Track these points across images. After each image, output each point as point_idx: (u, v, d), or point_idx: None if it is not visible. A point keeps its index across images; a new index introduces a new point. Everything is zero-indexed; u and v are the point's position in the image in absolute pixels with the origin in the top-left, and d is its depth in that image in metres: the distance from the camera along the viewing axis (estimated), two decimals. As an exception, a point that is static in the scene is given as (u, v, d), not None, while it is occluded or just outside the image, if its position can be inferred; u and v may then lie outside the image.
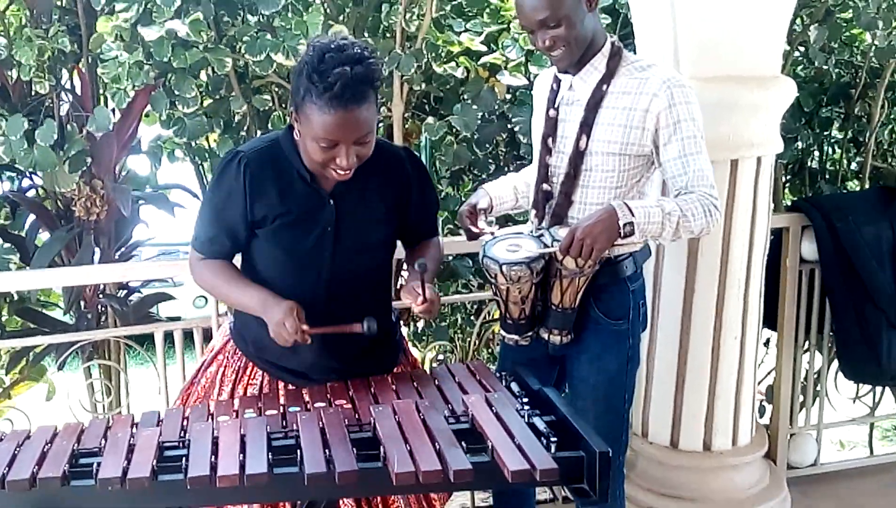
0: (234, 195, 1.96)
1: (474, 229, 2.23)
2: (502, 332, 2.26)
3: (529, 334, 2.23)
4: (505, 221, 3.25)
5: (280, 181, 1.97)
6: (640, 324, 2.30)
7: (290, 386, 2.06)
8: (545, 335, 2.22)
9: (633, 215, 1.99)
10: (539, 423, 1.71)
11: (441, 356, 3.64)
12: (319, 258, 2.01)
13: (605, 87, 2.14)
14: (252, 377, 2.11)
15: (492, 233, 2.19)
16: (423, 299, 1.96)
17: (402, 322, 3.75)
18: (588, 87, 2.16)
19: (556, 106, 2.21)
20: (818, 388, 3.51)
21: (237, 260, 2.14)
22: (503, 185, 2.43)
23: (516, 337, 2.23)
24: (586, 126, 2.15)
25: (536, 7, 2.04)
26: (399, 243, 2.22)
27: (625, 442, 2.37)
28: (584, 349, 2.25)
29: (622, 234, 1.99)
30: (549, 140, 2.21)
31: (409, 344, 3.76)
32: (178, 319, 3.38)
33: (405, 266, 2.29)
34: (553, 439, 1.64)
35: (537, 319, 2.21)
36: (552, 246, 2.07)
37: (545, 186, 2.22)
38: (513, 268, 2.05)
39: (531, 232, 2.18)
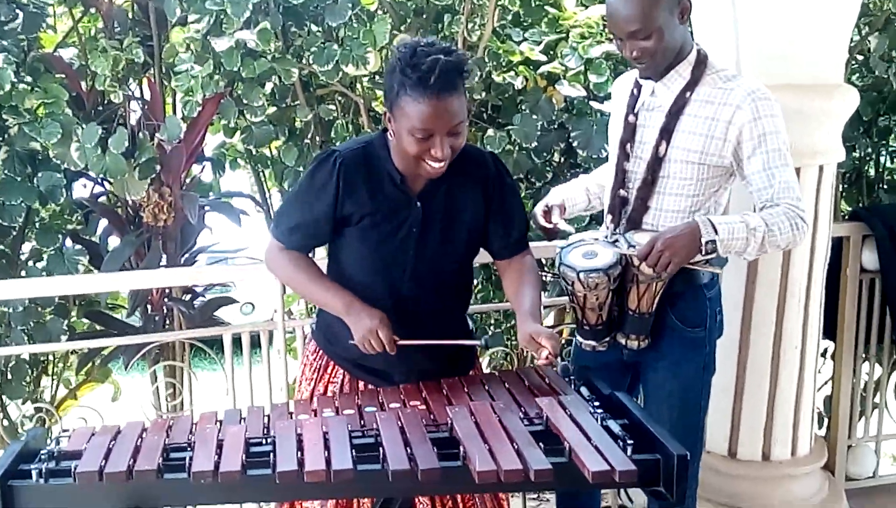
0: (326, 191, 2.03)
1: (549, 225, 2.26)
2: (579, 338, 2.28)
3: (606, 339, 2.24)
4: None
5: (371, 181, 2.03)
6: (716, 331, 2.31)
7: (369, 386, 2.11)
8: (622, 340, 2.23)
9: (716, 233, 1.99)
10: (613, 426, 1.73)
11: (494, 363, 3.66)
12: (403, 258, 2.06)
13: (688, 94, 2.14)
14: (333, 375, 2.17)
15: (566, 230, 2.22)
16: (549, 353, 1.96)
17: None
18: (671, 93, 2.16)
19: (635, 111, 2.22)
20: (877, 399, 3.48)
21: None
22: (575, 187, 2.46)
23: (593, 343, 2.24)
24: (666, 132, 2.15)
25: (629, 18, 2.04)
26: (492, 258, 2.24)
27: (699, 450, 2.38)
28: (661, 356, 2.26)
29: (703, 251, 2.00)
30: (628, 145, 2.22)
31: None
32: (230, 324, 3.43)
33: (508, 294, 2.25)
34: (629, 441, 1.66)
35: (614, 324, 2.22)
36: (628, 251, 2.08)
37: (622, 191, 2.23)
38: (590, 275, 2.07)
39: (606, 237, 2.19)
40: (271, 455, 1.64)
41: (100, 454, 1.65)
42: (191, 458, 1.63)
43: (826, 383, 3.55)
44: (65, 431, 1.84)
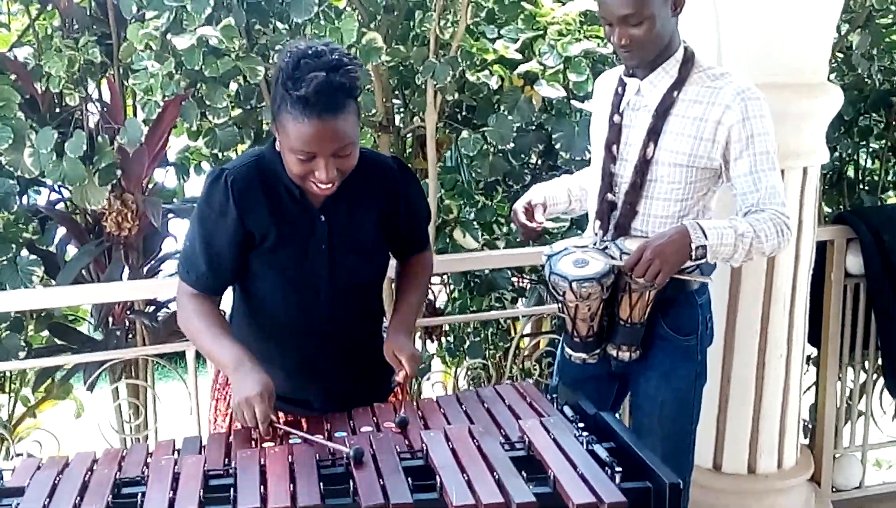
0: (225, 215, 1.85)
1: (531, 224, 2.16)
2: (568, 351, 2.19)
3: (597, 351, 2.15)
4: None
5: (269, 198, 1.86)
6: (707, 339, 2.23)
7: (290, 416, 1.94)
8: (613, 352, 2.15)
9: (706, 238, 1.91)
10: (600, 450, 1.62)
11: (470, 374, 3.55)
12: (316, 278, 1.91)
13: (675, 93, 2.05)
14: None
15: (542, 223, 2.14)
16: (405, 374, 1.89)
17: (431, 338, 3.71)
18: (658, 92, 2.07)
19: (620, 111, 2.12)
20: (862, 407, 3.41)
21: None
22: (556, 186, 2.36)
23: (584, 355, 2.16)
24: (654, 134, 2.06)
25: (622, 1, 1.94)
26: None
27: (690, 462, 2.30)
28: (652, 365, 2.18)
29: (693, 257, 1.92)
30: (614, 147, 2.12)
31: (440, 361, 3.73)
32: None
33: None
34: (617, 469, 1.55)
35: (604, 335, 2.14)
36: (621, 259, 1.99)
37: (609, 195, 2.14)
38: (583, 285, 1.98)
39: (595, 244, 2.10)
40: (232, 489, 1.51)
41: (44, 491, 1.51)
42: (143, 494, 1.49)
43: (809, 388, 3.49)
44: (19, 454, 1.70)
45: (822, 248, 3.14)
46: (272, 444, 1.74)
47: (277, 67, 1.78)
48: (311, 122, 1.70)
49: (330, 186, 1.79)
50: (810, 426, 3.42)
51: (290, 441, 1.76)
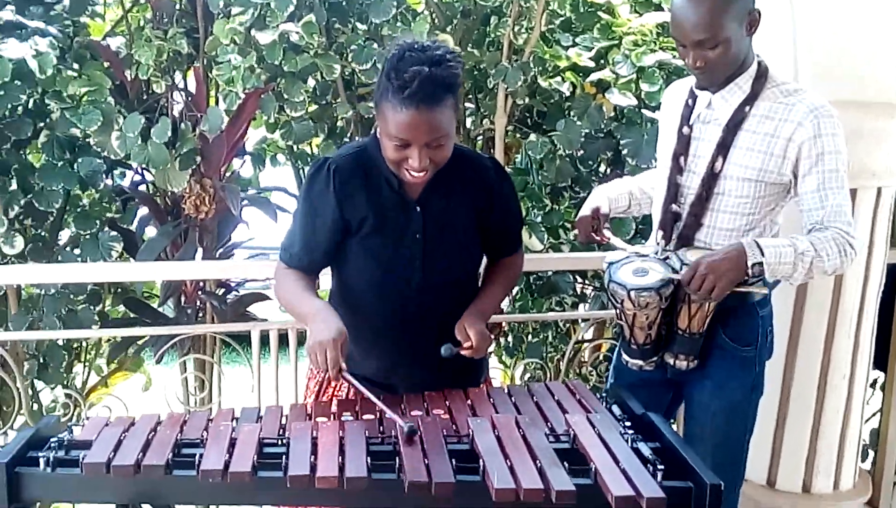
0: (325, 200, 1.95)
1: (597, 238, 2.18)
2: (625, 357, 2.20)
3: (654, 358, 2.16)
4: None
5: (368, 186, 1.95)
6: (766, 351, 2.21)
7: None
8: (670, 360, 2.15)
9: (762, 256, 1.91)
10: (644, 449, 1.64)
11: (528, 375, 3.58)
12: (409, 267, 1.98)
13: (747, 108, 2.04)
14: (338, 388, 2.09)
15: (609, 239, 2.14)
16: (470, 345, 1.93)
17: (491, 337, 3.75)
18: (729, 107, 2.06)
19: (690, 123, 2.12)
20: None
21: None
22: (618, 188, 2.37)
23: (641, 362, 2.16)
24: (723, 148, 2.05)
25: (698, 26, 1.93)
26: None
27: (741, 474, 2.28)
28: (708, 374, 2.17)
29: (750, 274, 1.92)
30: (681, 158, 2.12)
31: (497, 359, 3.76)
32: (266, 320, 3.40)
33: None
34: (660, 466, 1.57)
35: (662, 343, 2.14)
36: (680, 271, 1.99)
37: (674, 206, 2.14)
38: (641, 294, 1.99)
39: (656, 253, 2.09)
40: (284, 457, 1.59)
41: (110, 445, 1.61)
42: (201, 455, 1.58)
43: (874, 415, 3.41)
44: (88, 419, 1.80)
45: (893, 271, 3.07)
46: (325, 419, 1.82)
47: (385, 58, 1.86)
48: (409, 111, 1.77)
49: (422, 174, 1.86)
50: (872, 450, 3.33)
51: (343, 419, 1.83)
